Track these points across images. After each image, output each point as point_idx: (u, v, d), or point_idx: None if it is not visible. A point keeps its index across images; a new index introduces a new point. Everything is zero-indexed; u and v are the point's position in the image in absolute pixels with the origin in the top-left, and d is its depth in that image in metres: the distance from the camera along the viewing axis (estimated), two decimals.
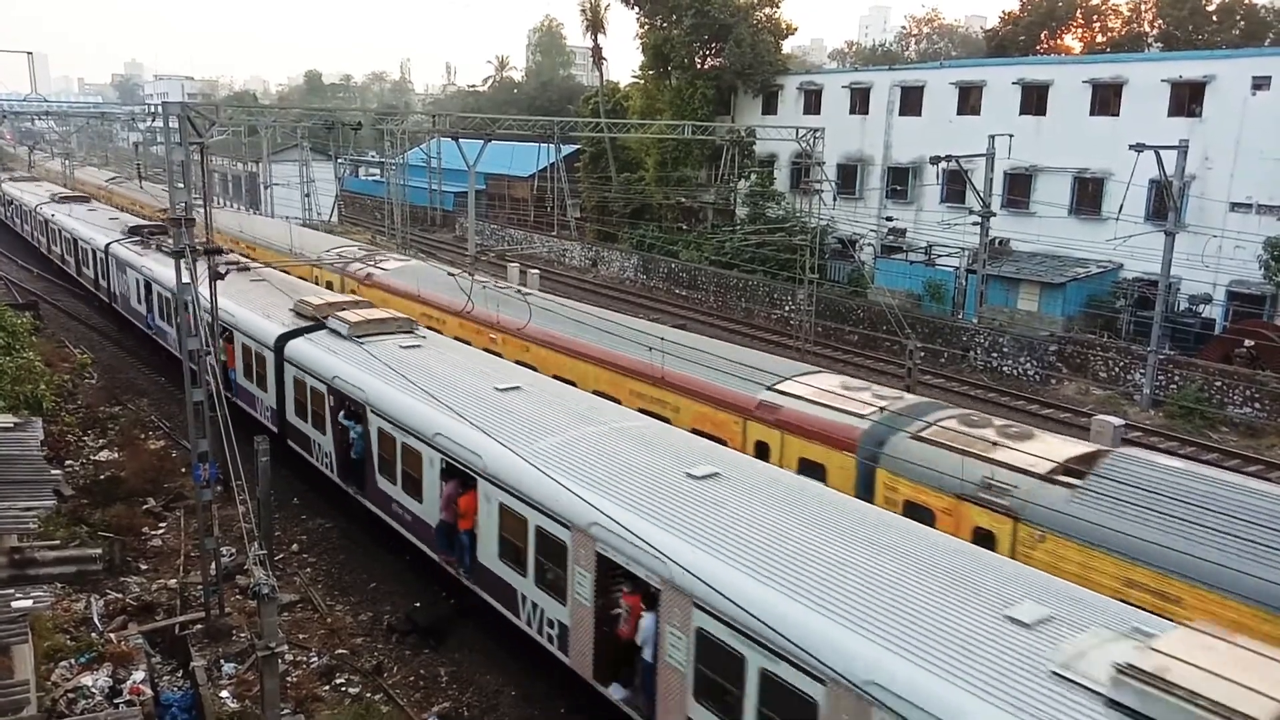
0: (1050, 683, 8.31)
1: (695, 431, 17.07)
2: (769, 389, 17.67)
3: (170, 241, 25.87)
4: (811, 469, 15.88)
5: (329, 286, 31.06)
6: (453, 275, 27.07)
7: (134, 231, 35.99)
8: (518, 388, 17.30)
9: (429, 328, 23.61)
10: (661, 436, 15.24)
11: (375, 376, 18.25)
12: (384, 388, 17.85)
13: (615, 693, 12.75)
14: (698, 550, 11.03)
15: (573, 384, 20.04)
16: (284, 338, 21.86)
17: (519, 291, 26.46)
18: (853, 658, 9.10)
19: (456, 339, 23.52)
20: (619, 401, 19.03)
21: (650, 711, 11.93)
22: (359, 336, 20.41)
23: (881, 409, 16.19)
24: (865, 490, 15.12)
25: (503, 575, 14.53)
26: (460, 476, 15.48)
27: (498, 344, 23.89)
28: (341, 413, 19.36)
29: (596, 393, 19.31)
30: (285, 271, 28.92)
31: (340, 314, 21.61)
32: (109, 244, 36.19)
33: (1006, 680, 8.43)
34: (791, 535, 11.33)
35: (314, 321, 22.05)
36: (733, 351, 20.72)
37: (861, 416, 16.04)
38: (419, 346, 20.20)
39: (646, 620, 11.86)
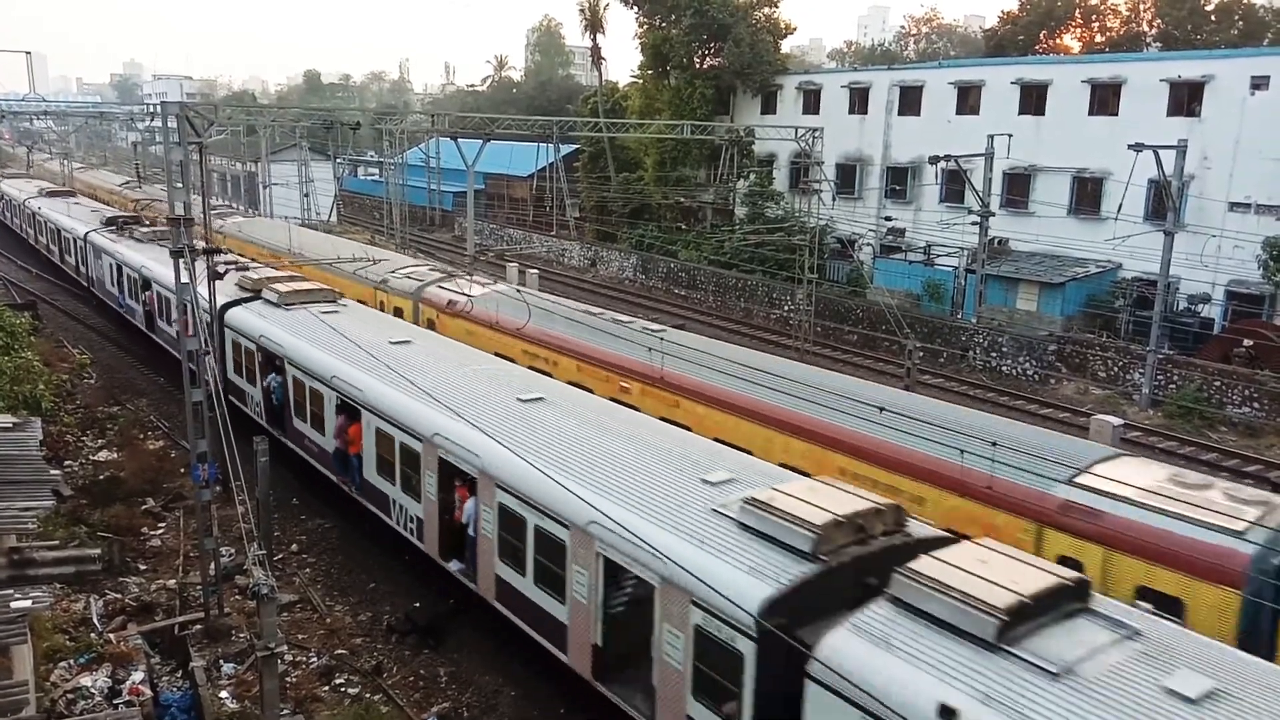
0: (709, 515, 11.85)
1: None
2: (1069, 483, 13.23)
3: (140, 229, 32.12)
4: (1161, 603, 11.24)
5: (397, 313, 27.08)
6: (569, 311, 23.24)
7: (110, 222, 38.60)
8: (409, 341, 20.51)
9: (532, 368, 21.00)
10: (509, 372, 19.08)
11: (292, 335, 21.61)
12: (297, 343, 21.24)
13: (453, 566, 16.05)
14: (503, 447, 14.01)
15: (749, 453, 15.57)
16: (226, 306, 24.31)
17: (649, 329, 22.15)
18: (583, 509, 12.35)
19: (572, 384, 19.61)
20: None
21: (474, 575, 15.40)
22: (286, 305, 23.52)
23: (1258, 522, 11.72)
24: (1260, 641, 11.04)
25: (380, 487, 17.96)
26: (349, 410, 18.71)
27: (632, 395, 19.59)
28: (271, 371, 22.24)
29: (787, 466, 14.98)
30: (341, 293, 27.04)
31: (273, 285, 24.66)
32: (87, 233, 38.94)
33: (682, 516, 11.93)
34: (573, 435, 14.89)
35: (253, 293, 24.83)
36: (987, 423, 15.76)
37: (1238, 534, 11.55)
38: (336, 313, 22.82)
39: (469, 504, 15.29)
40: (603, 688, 12.63)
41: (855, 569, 10.42)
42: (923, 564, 9.83)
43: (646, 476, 13.16)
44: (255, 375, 22.96)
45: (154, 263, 30.26)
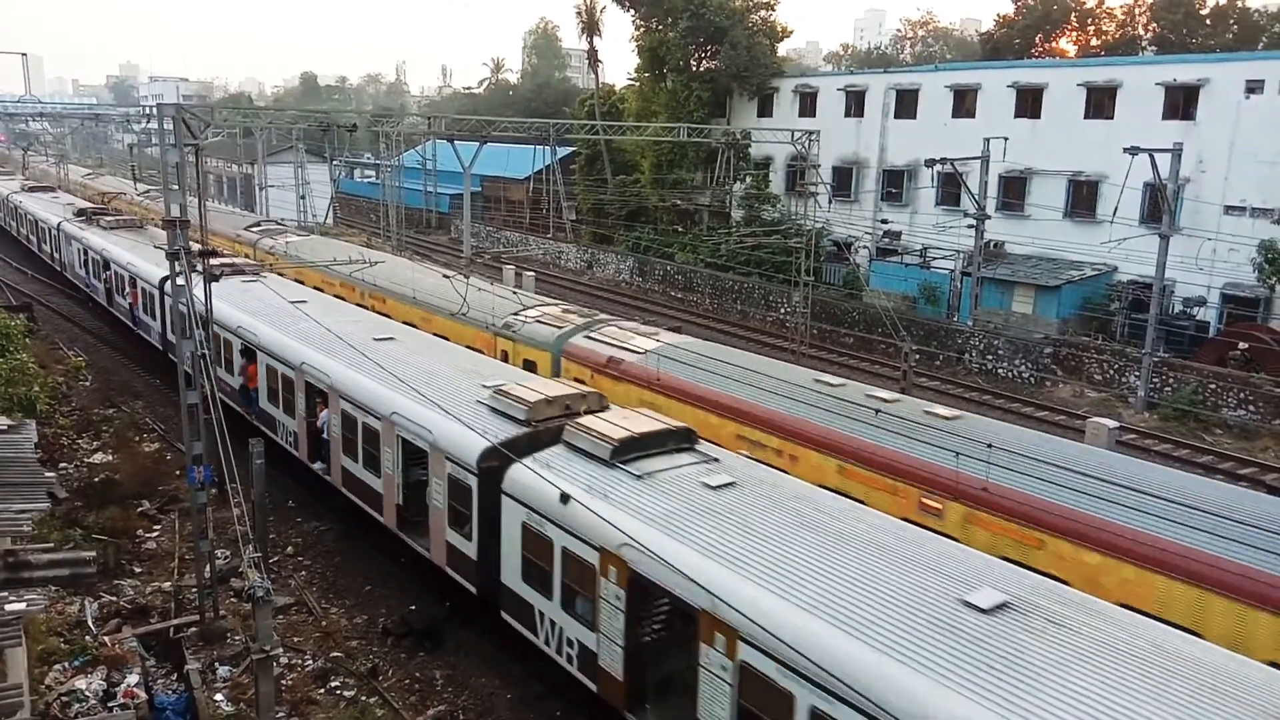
0: (474, 406, 16.36)
1: None
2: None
3: (105, 219, 38.44)
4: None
5: (528, 367, 22.28)
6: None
7: (80, 213, 43.14)
8: (304, 301, 24.30)
9: (763, 462, 15.82)
10: (371, 319, 23.95)
11: (214, 299, 25.47)
12: (216, 304, 25.45)
13: (317, 466, 20.27)
14: (346, 369, 18.94)
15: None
16: (164, 279, 28.12)
17: (933, 414, 16.65)
18: (393, 405, 17.11)
19: (831, 490, 14.41)
20: (1199, 635, 10.70)
21: (329, 470, 19.80)
22: (214, 276, 27.95)
23: None
24: None
25: (269, 411, 22.33)
26: (249, 353, 23.22)
27: (947, 521, 14.41)
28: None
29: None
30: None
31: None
32: (59, 223, 43.38)
33: (454, 405, 16.10)
34: (398, 358, 18.97)
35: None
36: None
37: None
38: (253, 282, 27.23)
39: (324, 413, 19.61)
40: (403, 535, 17.36)
41: (556, 430, 14.83)
42: (585, 420, 14.76)
43: (442, 382, 17.63)
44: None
45: (114, 247, 35.06)
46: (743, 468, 13.94)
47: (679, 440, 14.38)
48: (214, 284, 25.10)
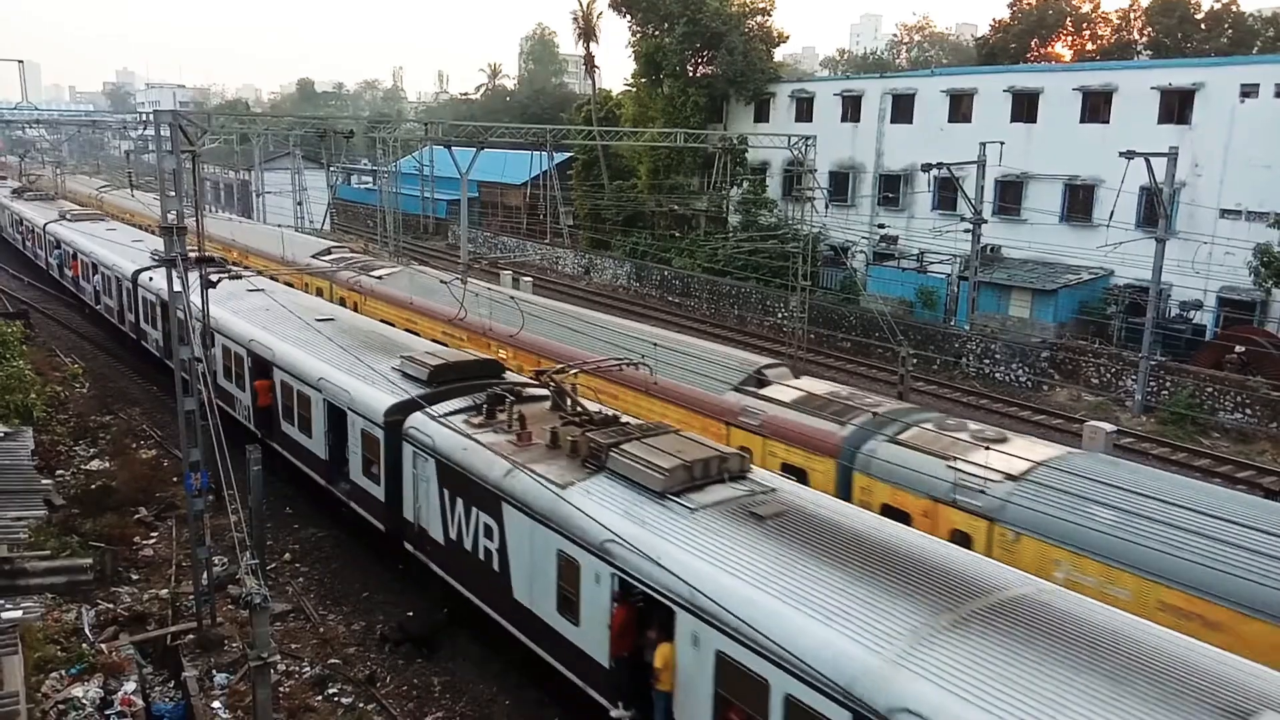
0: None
1: None
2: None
3: (28, 193, 60.14)
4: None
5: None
6: None
7: (14, 191, 59.60)
8: (115, 229, 35.56)
9: None
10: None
11: (70, 233, 40.60)
12: (70, 235, 40.09)
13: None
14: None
15: None
16: (47, 223, 44.86)
17: None
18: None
19: None
20: None
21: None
22: (73, 220, 42.85)
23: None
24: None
25: (84, 283, 34.58)
26: (78, 259, 37.85)
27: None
28: (56, 250, 42.37)
29: None
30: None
31: (70, 213, 45.72)
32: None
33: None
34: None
35: (63, 216, 44.58)
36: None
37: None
38: (97, 222, 41.97)
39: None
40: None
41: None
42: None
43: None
44: (53, 255, 42.75)
45: (24, 208, 51.83)
46: (283, 291, 26.89)
47: (237, 279, 24.99)
48: (76, 225, 40.86)
